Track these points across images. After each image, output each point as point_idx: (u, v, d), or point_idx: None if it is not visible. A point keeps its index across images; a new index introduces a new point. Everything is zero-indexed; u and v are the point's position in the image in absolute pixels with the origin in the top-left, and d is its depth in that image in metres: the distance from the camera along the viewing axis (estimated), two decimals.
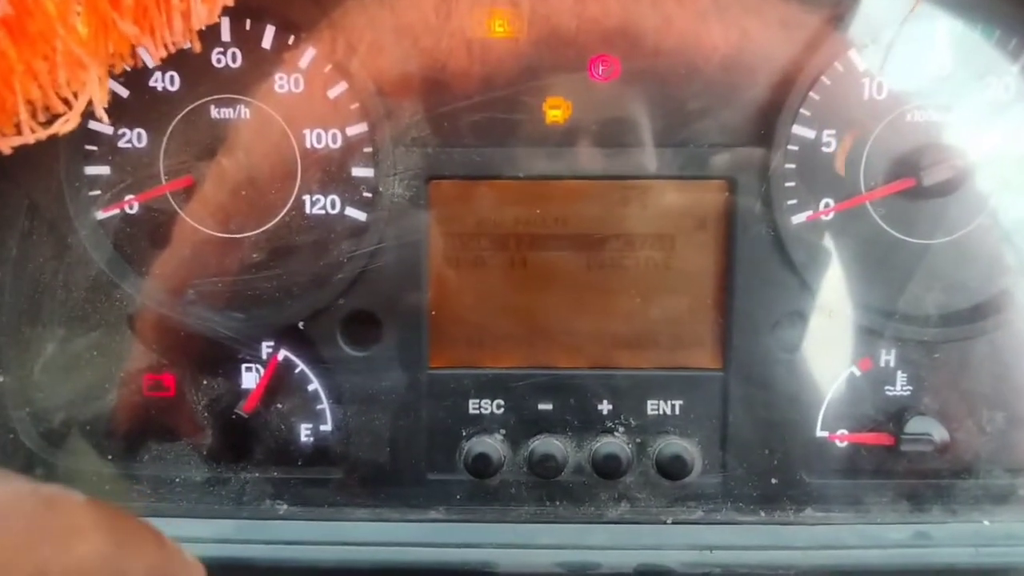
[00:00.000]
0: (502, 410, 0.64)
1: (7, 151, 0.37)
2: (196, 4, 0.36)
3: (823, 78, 0.60)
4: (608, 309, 0.64)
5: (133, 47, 0.37)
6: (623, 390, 0.64)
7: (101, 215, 0.63)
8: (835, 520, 0.64)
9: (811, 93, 0.60)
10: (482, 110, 0.61)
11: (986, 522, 0.63)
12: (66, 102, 0.38)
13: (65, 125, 0.38)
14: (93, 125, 0.59)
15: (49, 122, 0.39)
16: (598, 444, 0.63)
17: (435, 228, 0.63)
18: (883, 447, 0.64)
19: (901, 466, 0.64)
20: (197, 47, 0.41)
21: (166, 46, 0.37)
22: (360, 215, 0.63)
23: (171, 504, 0.64)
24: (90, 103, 0.39)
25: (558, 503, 0.65)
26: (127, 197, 0.62)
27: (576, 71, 0.61)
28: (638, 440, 0.64)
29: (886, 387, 0.64)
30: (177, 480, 0.65)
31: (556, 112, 0.62)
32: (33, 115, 0.38)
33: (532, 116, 0.61)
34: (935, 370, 0.63)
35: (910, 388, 0.64)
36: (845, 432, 0.64)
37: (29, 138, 0.37)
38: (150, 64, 0.48)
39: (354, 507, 0.65)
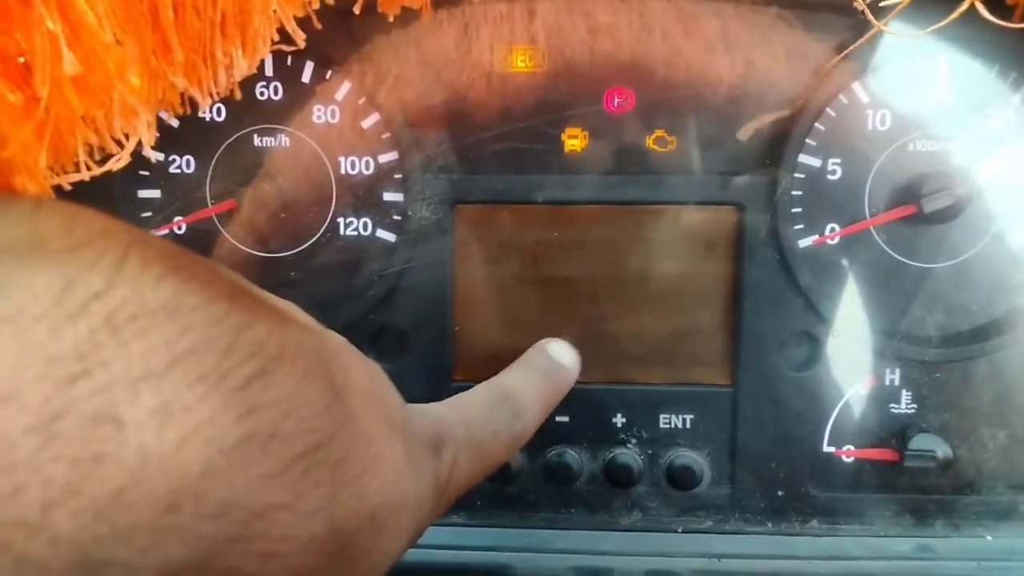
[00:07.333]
0: None
1: (67, 187, 0.42)
2: (238, 59, 0.40)
3: (828, 110, 0.63)
4: (623, 326, 0.67)
5: (182, 95, 0.41)
6: (636, 404, 0.67)
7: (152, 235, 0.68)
8: (840, 532, 0.66)
9: (817, 124, 0.63)
10: (504, 140, 0.65)
11: (989, 537, 0.65)
12: (119, 143, 0.42)
13: (117, 163, 0.43)
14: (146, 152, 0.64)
15: (103, 160, 0.43)
16: (612, 455, 0.66)
17: (460, 249, 0.67)
18: (888, 463, 0.66)
19: (905, 481, 0.66)
20: (238, 95, 0.45)
21: (211, 95, 0.42)
22: (390, 237, 0.67)
23: None
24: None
25: (573, 510, 0.68)
26: (176, 219, 0.67)
27: (593, 103, 0.65)
28: (650, 452, 0.67)
29: (890, 405, 0.66)
30: None
31: (574, 142, 0.65)
32: (90, 155, 0.42)
33: (552, 146, 0.65)
34: (938, 389, 0.65)
35: (914, 406, 0.66)
36: (851, 448, 0.67)
37: (85, 175, 0.42)
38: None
39: None
